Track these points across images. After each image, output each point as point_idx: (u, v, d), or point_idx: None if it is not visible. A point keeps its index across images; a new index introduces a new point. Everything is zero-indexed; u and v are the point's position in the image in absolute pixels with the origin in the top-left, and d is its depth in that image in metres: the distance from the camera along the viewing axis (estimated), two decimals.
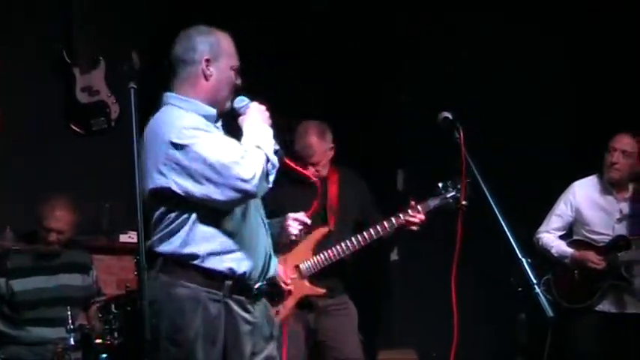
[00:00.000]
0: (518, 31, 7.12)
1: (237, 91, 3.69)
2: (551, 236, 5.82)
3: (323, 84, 6.92)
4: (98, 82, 6.02)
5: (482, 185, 3.69)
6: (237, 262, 3.54)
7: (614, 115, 6.51)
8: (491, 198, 3.66)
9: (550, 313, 3.67)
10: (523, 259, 3.69)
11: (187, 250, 3.49)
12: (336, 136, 5.33)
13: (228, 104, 3.70)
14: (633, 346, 5.65)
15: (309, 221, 4.16)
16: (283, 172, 3.73)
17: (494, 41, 7.17)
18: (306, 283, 5.18)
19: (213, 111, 3.65)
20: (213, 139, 3.49)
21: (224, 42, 3.69)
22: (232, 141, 3.54)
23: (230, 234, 3.53)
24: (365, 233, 5.13)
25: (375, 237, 5.13)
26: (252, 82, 3.77)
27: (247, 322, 3.59)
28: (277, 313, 5.08)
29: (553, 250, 5.75)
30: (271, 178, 3.56)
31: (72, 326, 5.00)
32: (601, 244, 5.71)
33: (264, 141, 3.55)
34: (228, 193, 3.41)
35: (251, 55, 3.85)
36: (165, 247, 3.51)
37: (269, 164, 3.53)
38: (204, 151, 3.42)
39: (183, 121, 3.50)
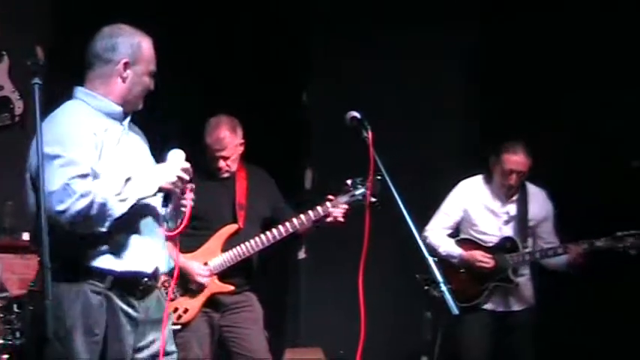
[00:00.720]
0: (421, 33, 7.21)
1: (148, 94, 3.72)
2: (439, 234, 5.86)
3: (230, 84, 6.88)
4: (2, 78, 5.91)
5: (390, 184, 3.72)
6: (118, 262, 3.59)
7: (514, 117, 6.67)
8: (399, 197, 3.69)
9: (455, 311, 3.71)
10: (429, 258, 3.73)
11: (71, 249, 3.51)
12: (244, 135, 5.32)
13: (139, 105, 3.75)
14: (519, 338, 5.74)
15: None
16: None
17: (398, 42, 7.25)
18: (215, 280, 5.16)
19: (119, 109, 3.70)
20: (62, 162, 3.46)
21: (145, 46, 3.72)
22: (80, 165, 3.49)
23: (113, 234, 3.55)
24: (275, 230, 5.13)
25: (287, 233, 5.13)
26: (157, 82, 3.78)
27: (130, 316, 3.64)
28: (186, 310, 5.07)
29: (441, 249, 5.79)
30: (107, 224, 3.49)
31: None
32: (489, 244, 5.78)
33: (130, 190, 3.52)
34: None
35: (158, 54, 3.83)
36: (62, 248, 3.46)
37: (104, 209, 3.46)
38: (47, 173, 3.34)
39: (64, 128, 3.53)
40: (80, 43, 3.78)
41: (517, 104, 6.83)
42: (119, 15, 3.77)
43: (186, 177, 3.62)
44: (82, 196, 3.44)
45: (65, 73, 3.83)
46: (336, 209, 5.13)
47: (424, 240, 5.71)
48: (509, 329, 5.74)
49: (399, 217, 3.67)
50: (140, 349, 3.69)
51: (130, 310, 3.63)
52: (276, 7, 7.11)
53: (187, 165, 3.63)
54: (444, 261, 5.71)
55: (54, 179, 3.43)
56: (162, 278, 3.90)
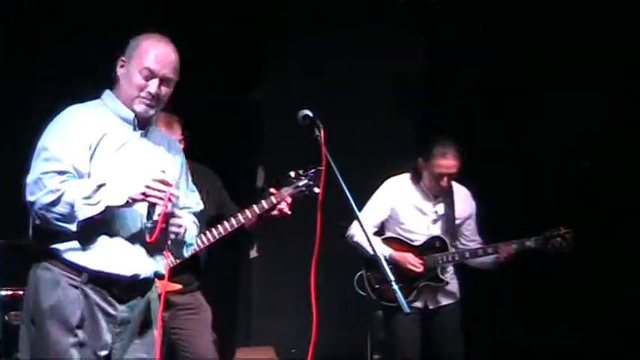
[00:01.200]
0: (371, 32, 7.25)
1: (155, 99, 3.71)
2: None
3: (181, 84, 6.81)
4: None
5: (342, 182, 3.72)
6: (93, 261, 3.61)
7: (462, 117, 6.75)
8: (350, 195, 3.69)
9: (407, 309, 3.72)
10: (380, 256, 3.73)
11: (53, 243, 3.59)
12: (195, 135, 5.28)
13: (140, 109, 3.71)
14: (449, 333, 5.74)
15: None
16: None
17: (349, 42, 7.27)
18: (163, 279, 5.10)
19: (130, 115, 3.72)
20: (46, 155, 3.57)
21: (144, 45, 3.73)
22: (55, 162, 3.56)
23: (91, 234, 3.58)
24: (220, 226, 5.10)
25: (232, 229, 5.10)
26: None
27: (107, 313, 3.65)
28: None
29: (369, 248, 5.76)
30: (74, 224, 3.52)
31: None
32: (416, 243, 5.77)
33: (100, 196, 3.51)
34: None
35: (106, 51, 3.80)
36: (42, 240, 3.62)
37: (70, 209, 3.49)
38: (32, 163, 3.59)
39: (60, 124, 3.63)
40: None
41: (464, 103, 6.91)
42: (69, 13, 3.74)
43: (160, 188, 3.56)
44: (51, 191, 3.50)
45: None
46: (281, 201, 5.13)
47: (351, 239, 5.70)
48: (439, 325, 5.75)
49: (350, 215, 3.67)
50: (119, 350, 3.69)
51: (107, 308, 3.65)
52: (227, 5, 7.08)
53: (162, 176, 3.60)
54: (369, 259, 5.64)
55: (34, 170, 3.56)
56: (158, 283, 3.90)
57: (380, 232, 5.86)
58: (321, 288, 3.75)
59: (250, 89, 7.54)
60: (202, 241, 5.10)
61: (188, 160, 5.32)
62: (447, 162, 5.60)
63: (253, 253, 7.51)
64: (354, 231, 5.72)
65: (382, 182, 5.86)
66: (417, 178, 5.78)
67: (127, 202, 3.55)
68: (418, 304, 5.72)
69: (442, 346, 5.73)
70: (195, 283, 5.28)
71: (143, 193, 3.55)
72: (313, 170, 5.10)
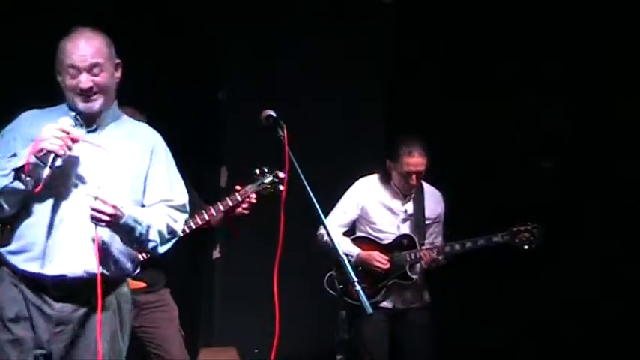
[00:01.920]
0: (336, 32, 7.26)
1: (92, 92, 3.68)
2: (335, 232, 5.86)
3: (145, 85, 6.77)
4: None
5: (305, 183, 3.72)
6: (19, 261, 3.65)
7: (423, 115, 6.77)
8: (313, 195, 3.70)
9: (370, 310, 3.73)
10: (344, 256, 3.74)
11: None
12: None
13: (82, 107, 3.71)
14: (417, 336, 5.79)
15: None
16: None
17: (313, 42, 7.28)
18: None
19: (72, 112, 3.72)
20: None
21: (62, 45, 3.71)
22: None
23: (21, 235, 3.66)
24: (185, 225, 5.08)
25: (196, 226, 5.10)
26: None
27: (43, 312, 3.65)
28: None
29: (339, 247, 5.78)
30: None
31: None
32: (385, 242, 5.84)
33: (11, 163, 3.55)
34: None
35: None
36: None
37: None
38: None
39: (17, 121, 3.75)
40: None
41: (427, 103, 6.95)
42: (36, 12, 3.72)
43: (59, 134, 3.54)
44: None
45: None
46: (246, 198, 5.13)
47: (321, 238, 5.73)
48: (408, 327, 5.80)
49: (313, 215, 3.68)
50: (60, 350, 3.66)
51: (43, 306, 3.65)
52: (191, 5, 7.05)
53: (64, 125, 3.59)
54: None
55: None
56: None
57: (351, 231, 5.90)
58: (284, 288, 3.75)
59: (215, 91, 7.51)
60: None
61: None
62: (414, 160, 5.67)
63: (216, 254, 7.48)
64: (324, 231, 5.73)
65: (346, 181, 5.91)
66: (385, 178, 5.84)
67: (29, 162, 3.51)
68: (387, 304, 5.76)
69: (410, 348, 5.76)
70: (162, 281, 5.26)
71: (48, 140, 3.52)
72: (277, 171, 5.12)
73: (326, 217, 3.67)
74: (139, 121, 5.14)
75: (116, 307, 3.80)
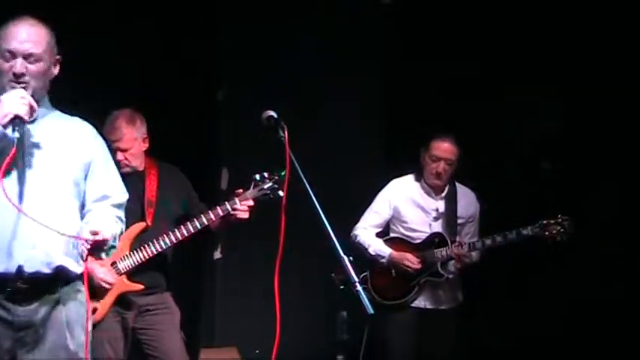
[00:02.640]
0: (334, 31, 7.27)
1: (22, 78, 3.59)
2: (368, 233, 5.92)
3: (144, 86, 6.77)
4: None
5: (306, 183, 3.72)
6: None
7: (422, 115, 6.78)
8: (314, 196, 3.69)
9: (370, 310, 3.73)
10: (344, 257, 3.74)
11: None
12: (157, 136, 5.26)
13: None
14: (444, 337, 5.82)
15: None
16: None
17: (314, 42, 7.28)
18: (124, 280, 5.07)
19: None
20: None
21: (6, 31, 3.61)
22: None
23: None
24: (184, 228, 5.09)
25: (195, 230, 5.09)
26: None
27: (3, 319, 3.53)
28: (95, 310, 4.97)
29: (370, 249, 5.86)
30: None
31: None
32: (417, 241, 5.87)
33: None
34: None
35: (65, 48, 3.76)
36: None
37: None
38: None
39: None
40: None
41: (427, 103, 6.95)
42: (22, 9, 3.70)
43: (24, 99, 3.49)
44: None
45: None
46: (244, 204, 5.13)
47: (354, 239, 5.80)
48: (436, 328, 5.81)
49: (314, 215, 3.67)
50: (27, 355, 3.56)
51: (2, 313, 3.53)
52: (191, 5, 7.05)
53: (23, 92, 3.52)
54: (373, 260, 5.83)
55: None
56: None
57: (385, 232, 5.94)
58: (285, 289, 3.75)
59: (215, 91, 7.51)
60: (166, 242, 5.08)
61: (157, 160, 5.34)
62: (444, 145, 5.77)
63: (217, 255, 7.48)
64: (359, 231, 5.89)
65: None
66: (419, 176, 5.91)
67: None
68: (418, 303, 5.79)
69: (433, 350, 5.78)
70: (163, 284, 5.25)
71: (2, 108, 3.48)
72: (277, 177, 5.12)
73: (332, 216, 3.67)
74: (137, 122, 5.24)
75: (69, 301, 3.67)
